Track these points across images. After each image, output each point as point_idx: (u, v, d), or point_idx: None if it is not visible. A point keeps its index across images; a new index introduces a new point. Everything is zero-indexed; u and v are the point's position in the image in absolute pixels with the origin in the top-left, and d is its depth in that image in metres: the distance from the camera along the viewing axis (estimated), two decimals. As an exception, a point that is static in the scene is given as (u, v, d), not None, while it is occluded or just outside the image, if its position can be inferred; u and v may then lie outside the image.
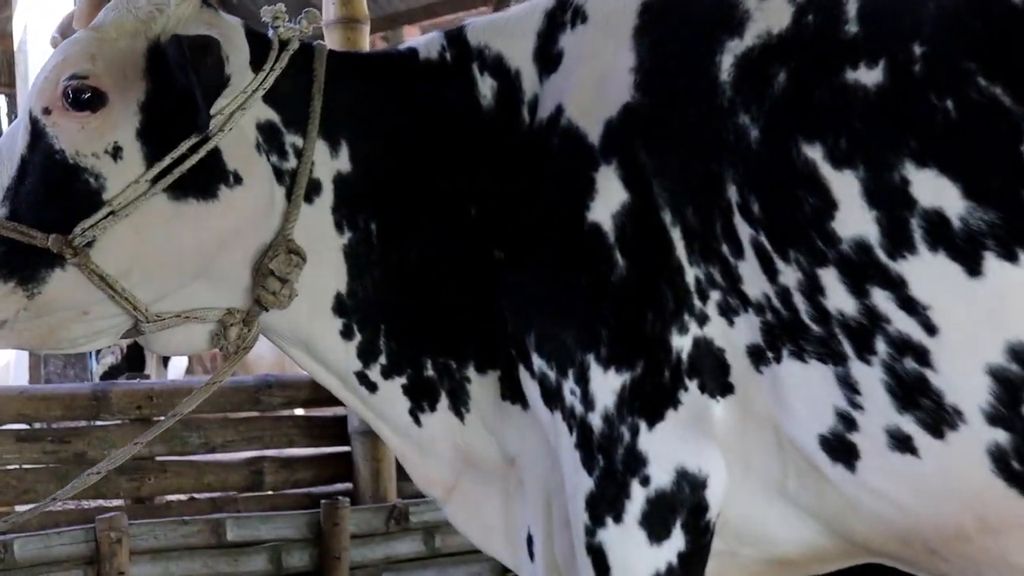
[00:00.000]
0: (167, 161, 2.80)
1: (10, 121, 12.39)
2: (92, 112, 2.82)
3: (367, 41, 5.18)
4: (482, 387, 3.03)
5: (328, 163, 3.01)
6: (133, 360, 6.83)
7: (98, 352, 6.40)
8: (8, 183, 2.85)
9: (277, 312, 2.99)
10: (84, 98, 2.82)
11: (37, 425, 4.79)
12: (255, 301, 2.95)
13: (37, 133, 2.85)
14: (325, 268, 3.00)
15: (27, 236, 2.77)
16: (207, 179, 2.86)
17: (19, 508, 4.71)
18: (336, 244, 3.00)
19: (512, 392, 2.98)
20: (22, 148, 2.86)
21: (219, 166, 2.88)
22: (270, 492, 5.02)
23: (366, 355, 3.05)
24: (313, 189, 2.98)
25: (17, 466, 4.76)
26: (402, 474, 5.27)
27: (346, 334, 3.04)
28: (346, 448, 5.11)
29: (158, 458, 4.81)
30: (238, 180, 2.90)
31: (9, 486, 4.62)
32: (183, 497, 5.03)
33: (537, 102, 2.94)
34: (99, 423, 4.84)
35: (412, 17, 12.88)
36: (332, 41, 5.13)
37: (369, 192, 3.03)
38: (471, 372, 3.03)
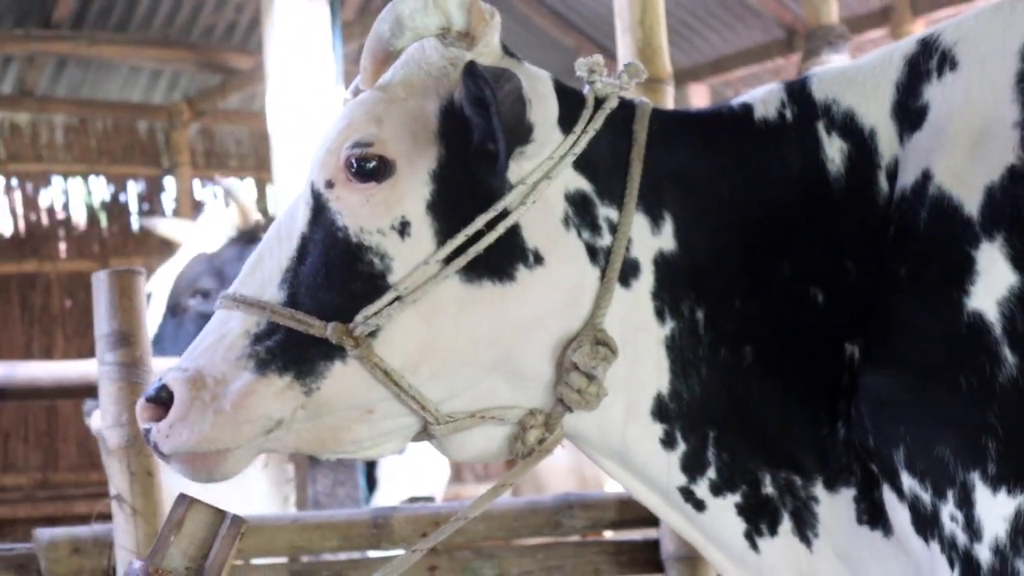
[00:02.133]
0: (460, 239, 2.64)
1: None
2: (378, 183, 2.69)
3: (670, 103, 4.68)
4: (833, 508, 2.72)
5: (648, 240, 2.77)
6: None
7: (370, 468, 6.19)
8: (287, 264, 2.73)
9: (585, 415, 2.75)
10: (369, 167, 2.68)
11: (306, 559, 4.47)
12: (558, 400, 2.73)
13: (318, 209, 2.74)
14: (643, 364, 2.76)
15: (304, 324, 2.64)
16: (504, 258, 2.69)
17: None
18: (657, 335, 2.76)
19: (871, 515, 2.68)
20: (302, 226, 2.74)
21: (518, 243, 2.70)
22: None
23: (692, 468, 2.79)
24: (630, 270, 2.75)
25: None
26: (726, 606, 4.86)
27: (668, 442, 2.79)
28: (661, 577, 4.59)
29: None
30: (539, 260, 2.71)
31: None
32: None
33: (897, 166, 2.66)
34: (379, 553, 4.48)
35: (698, 74, 12.78)
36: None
37: (696, 274, 2.77)
38: (819, 490, 2.73)
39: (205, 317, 6.42)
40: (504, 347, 2.72)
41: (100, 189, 14.23)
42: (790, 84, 2.87)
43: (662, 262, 2.78)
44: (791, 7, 10.99)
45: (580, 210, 2.76)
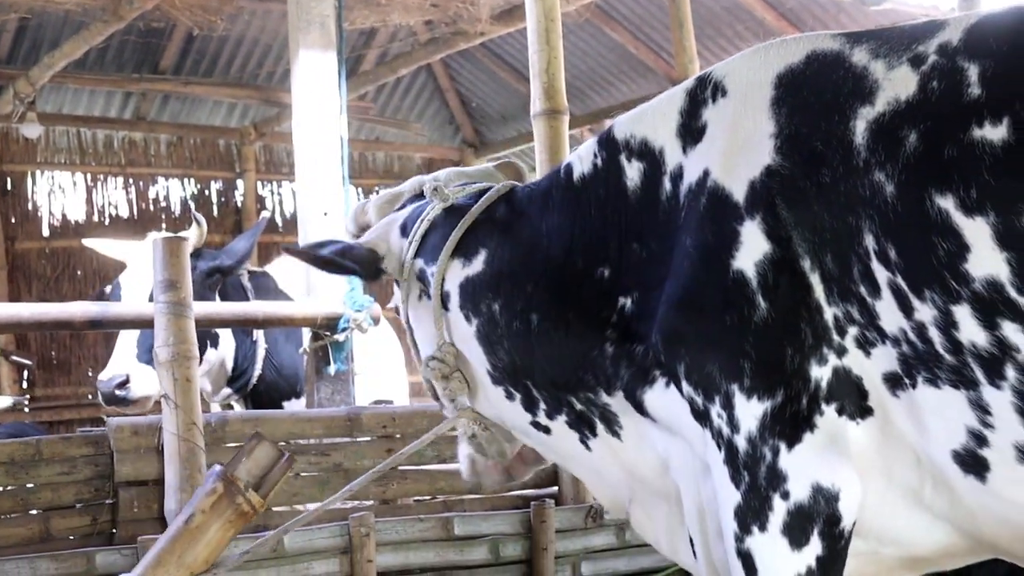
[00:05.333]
0: None
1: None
2: None
3: (566, 127, 4.83)
4: (620, 406, 2.73)
5: (458, 273, 2.88)
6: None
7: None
8: None
9: (480, 405, 2.97)
10: None
11: (304, 441, 4.48)
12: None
13: None
14: (473, 354, 2.87)
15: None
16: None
17: (283, 508, 4.37)
18: (469, 332, 2.86)
19: (640, 410, 2.68)
20: None
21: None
22: (490, 495, 4.59)
23: (530, 407, 2.86)
24: (446, 297, 2.89)
25: (289, 475, 4.44)
26: (597, 481, 4.85)
27: (509, 396, 2.87)
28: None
29: (400, 468, 4.43)
30: (417, 320, 3.06)
31: (282, 491, 4.18)
32: (420, 499, 4.63)
33: (682, 171, 2.56)
34: (353, 439, 4.51)
35: (610, 112, 12.73)
36: (538, 128, 4.84)
37: (495, 280, 2.83)
38: (606, 398, 2.74)
39: None
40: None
41: (190, 187, 14.13)
42: (600, 136, 2.81)
43: (465, 283, 2.87)
44: (675, 67, 10.97)
45: (422, 280, 2.95)
